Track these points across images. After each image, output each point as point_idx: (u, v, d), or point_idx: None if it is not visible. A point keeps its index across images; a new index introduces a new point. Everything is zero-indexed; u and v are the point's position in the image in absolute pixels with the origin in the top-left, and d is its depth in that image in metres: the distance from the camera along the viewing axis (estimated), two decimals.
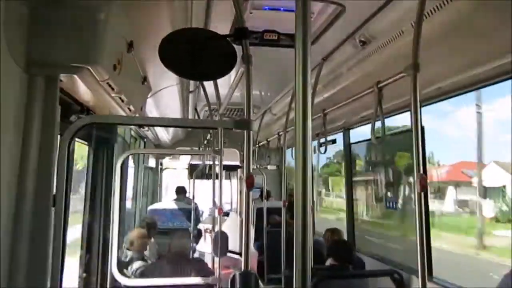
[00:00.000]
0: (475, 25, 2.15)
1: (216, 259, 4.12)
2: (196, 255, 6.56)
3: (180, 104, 4.57)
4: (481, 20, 2.08)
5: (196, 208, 7.53)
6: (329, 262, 3.84)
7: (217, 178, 4.47)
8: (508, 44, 2.06)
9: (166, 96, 4.13)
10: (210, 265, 4.56)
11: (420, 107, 2.03)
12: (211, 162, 5.60)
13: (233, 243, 6.18)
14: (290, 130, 4.25)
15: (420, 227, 1.90)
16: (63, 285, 1.76)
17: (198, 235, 7.35)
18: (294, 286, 1.08)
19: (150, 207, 7.59)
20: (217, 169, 4.40)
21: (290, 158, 5.63)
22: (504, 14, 1.88)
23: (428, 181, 2.10)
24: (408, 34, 2.44)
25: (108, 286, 3.64)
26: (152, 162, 8.87)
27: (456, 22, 2.17)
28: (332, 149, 6.26)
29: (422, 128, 2.67)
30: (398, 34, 2.59)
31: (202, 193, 8.05)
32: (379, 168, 6.39)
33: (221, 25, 2.64)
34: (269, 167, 8.19)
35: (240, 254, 6.87)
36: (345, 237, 5.43)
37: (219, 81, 3.37)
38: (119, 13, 1.97)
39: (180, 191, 8.21)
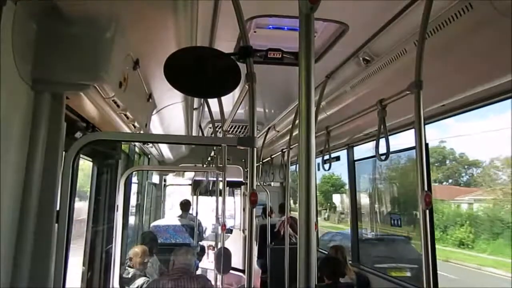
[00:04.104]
0: (478, 43, 2.17)
1: (219, 276, 4.08)
2: (198, 271, 6.51)
3: (184, 121, 4.59)
4: (484, 38, 2.10)
5: (199, 225, 7.49)
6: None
7: (220, 194, 4.46)
8: (509, 62, 2.07)
9: (171, 113, 4.15)
10: (212, 282, 4.52)
11: (424, 125, 2.03)
12: (214, 179, 5.59)
13: (236, 260, 6.15)
14: (294, 147, 4.26)
15: (425, 244, 1.89)
16: None
17: (201, 252, 7.29)
18: None
19: (153, 223, 7.56)
20: (221, 185, 4.39)
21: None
22: (505, 33, 1.90)
23: None
24: (411, 52, 2.46)
25: None
26: (155, 179, 8.87)
27: (459, 40, 2.19)
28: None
29: (426, 145, 2.67)
30: (401, 52, 2.61)
31: (205, 210, 8.02)
32: None
33: (226, 43, 2.68)
34: (272, 184, 8.17)
35: (243, 271, 6.82)
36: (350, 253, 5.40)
37: (223, 98, 3.39)
38: (125, 31, 2.00)
39: (184, 207, 8.16)
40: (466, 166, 19.70)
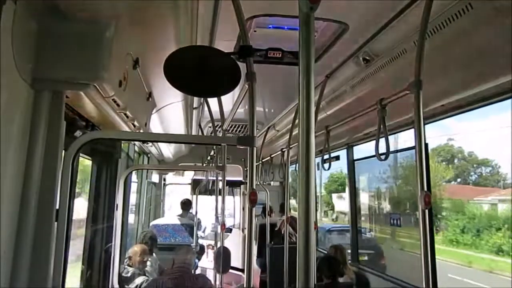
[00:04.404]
0: (478, 43, 2.17)
1: (218, 275, 4.08)
2: (198, 271, 6.51)
3: (184, 120, 4.59)
4: (484, 38, 2.10)
5: (199, 224, 7.48)
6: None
7: (220, 194, 4.46)
8: (509, 62, 2.07)
9: (171, 112, 4.15)
10: (212, 281, 4.52)
11: (424, 124, 2.03)
12: (214, 178, 5.60)
13: (235, 260, 6.15)
14: (294, 147, 4.26)
15: (425, 244, 1.89)
16: None
17: (201, 251, 7.30)
18: None
19: (152, 223, 7.56)
20: (220, 185, 4.40)
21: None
22: (505, 32, 1.90)
23: None
24: (410, 52, 2.46)
25: None
26: (155, 178, 8.87)
27: (459, 39, 2.19)
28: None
29: (426, 145, 2.67)
30: (401, 52, 2.61)
31: (205, 209, 8.02)
32: None
33: (226, 43, 2.68)
34: (272, 183, 8.17)
35: (242, 270, 6.82)
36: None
37: (223, 97, 3.39)
38: (125, 31, 2.00)
39: (185, 206, 8.16)
40: (474, 165, 19.28)
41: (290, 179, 5.04)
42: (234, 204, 9.95)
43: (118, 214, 3.38)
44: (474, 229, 15.65)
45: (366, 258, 6.37)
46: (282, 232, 6.10)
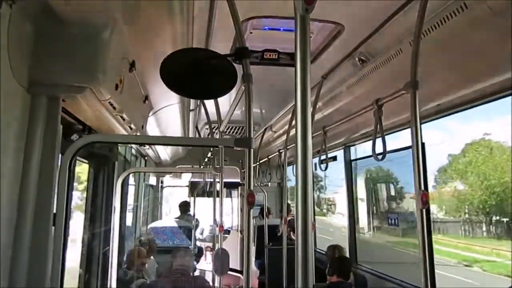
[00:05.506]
0: (473, 43, 2.18)
1: (217, 277, 4.08)
2: (196, 273, 6.50)
3: (181, 122, 4.59)
4: (478, 37, 2.11)
5: (197, 226, 7.47)
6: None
7: (217, 195, 4.45)
8: (506, 61, 2.08)
9: (167, 114, 4.15)
10: (210, 283, 4.51)
11: (420, 124, 2.04)
12: (212, 180, 5.59)
13: (234, 261, 6.15)
14: (291, 148, 4.26)
15: (423, 243, 1.89)
16: None
17: (199, 253, 7.29)
18: None
19: (150, 225, 7.55)
20: (218, 186, 4.39)
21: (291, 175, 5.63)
22: (500, 31, 1.91)
23: None
24: (406, 52, 2.47)
25: None
26: (152, 180, 8.85)
27: (454, 39, 2.20)
28: None
29: (423, 144, 2.68)
30: (397, 52, 2.62)
31: (203, 211, 8.02)
32: None
33: (222, 45, 2.68)
34: (269, 184, 8.17)
35: (240, 272, 6.82)
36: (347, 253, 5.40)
37: (219, 99, 3.39)
38: (121, 34, 2.00)
39: (183, 209, 8.15)
40: None
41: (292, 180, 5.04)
42: (232, 205, 9.94)
43: (116, 217, 3.37)
44: None
45: None
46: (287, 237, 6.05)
